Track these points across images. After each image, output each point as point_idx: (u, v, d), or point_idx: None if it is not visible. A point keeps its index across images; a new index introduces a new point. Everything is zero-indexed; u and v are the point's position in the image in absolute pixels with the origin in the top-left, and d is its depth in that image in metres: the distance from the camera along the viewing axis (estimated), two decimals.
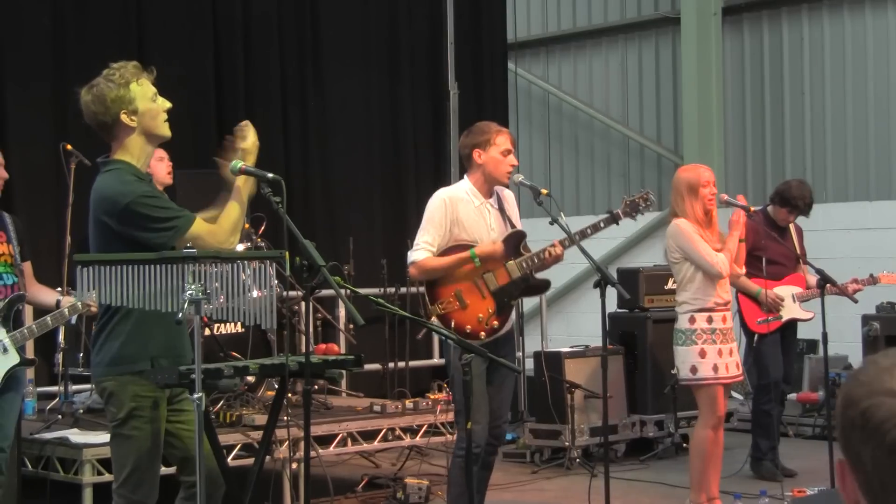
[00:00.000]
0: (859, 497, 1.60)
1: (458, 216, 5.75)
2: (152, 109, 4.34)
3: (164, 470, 4.62)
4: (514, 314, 6.09)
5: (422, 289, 6.00)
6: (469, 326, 5.68)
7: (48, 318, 6.14)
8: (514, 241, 5.85)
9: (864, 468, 1.57)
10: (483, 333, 5.68)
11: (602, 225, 5.91)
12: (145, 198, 4.29)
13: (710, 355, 6.55)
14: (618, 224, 6.01)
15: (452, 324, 5.66)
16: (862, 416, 1.58)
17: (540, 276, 6.02)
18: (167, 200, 4.54)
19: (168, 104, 4.42)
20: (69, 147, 7.17)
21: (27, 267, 6.17)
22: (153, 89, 4.37)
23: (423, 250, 5.71)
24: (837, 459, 1.64)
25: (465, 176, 5.92)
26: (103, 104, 4.28)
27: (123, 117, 4.29)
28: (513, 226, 5.92)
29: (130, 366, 4.35)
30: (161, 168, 7.12)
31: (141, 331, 4.37)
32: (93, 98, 4.29)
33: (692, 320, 6.58)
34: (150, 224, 4.27)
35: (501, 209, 5.93)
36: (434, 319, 5.71)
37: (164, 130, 4.42)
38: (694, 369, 6.56)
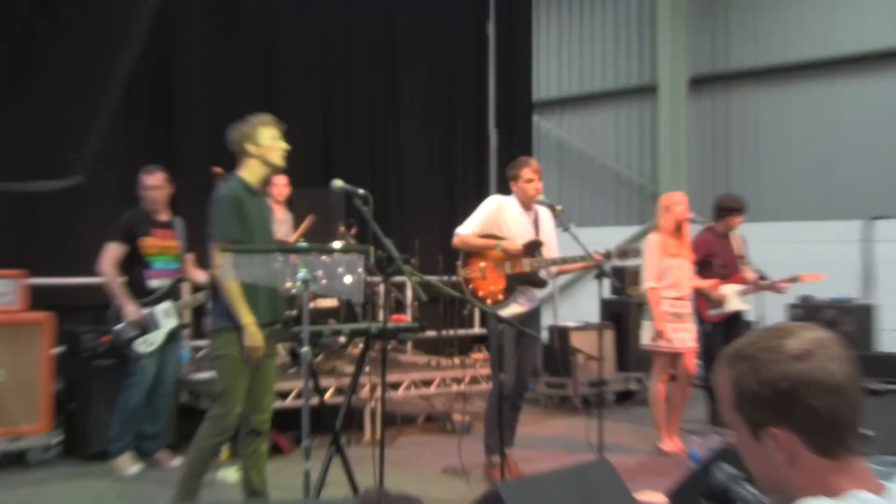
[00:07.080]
0: (797, 447, 1.44)
1: (504, 216, 5.71)
2: None
3: None
4: (537, 299, 5.93)
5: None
6: (482, 293, 5.61)
7: (199, 295, 6.11)
8: (533, 246, 5.78)
9: (815, 412, 1.43)
10: (490, 300, 5.57)
11: (596, 255, 5.57)
12: None
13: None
14: (608, 259, 5.70)
15: (471, 286, 5.59)
16: (799, 380, 1.43)
17: (542, 275, 5.87)
18: None
19: None
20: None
21: (188, 257, 6.17)
22: None
23: (468, 228, 5.68)
24: (769, 430, 1.44)
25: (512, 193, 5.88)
26: None
27: None
28: (537, 235, 5.82)
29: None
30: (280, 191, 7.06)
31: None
32: None
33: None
34: None
35: (535, 222, 5.85)
36: (460, 277, 5.63)
37: None
38: (651, 338, 6.51)
